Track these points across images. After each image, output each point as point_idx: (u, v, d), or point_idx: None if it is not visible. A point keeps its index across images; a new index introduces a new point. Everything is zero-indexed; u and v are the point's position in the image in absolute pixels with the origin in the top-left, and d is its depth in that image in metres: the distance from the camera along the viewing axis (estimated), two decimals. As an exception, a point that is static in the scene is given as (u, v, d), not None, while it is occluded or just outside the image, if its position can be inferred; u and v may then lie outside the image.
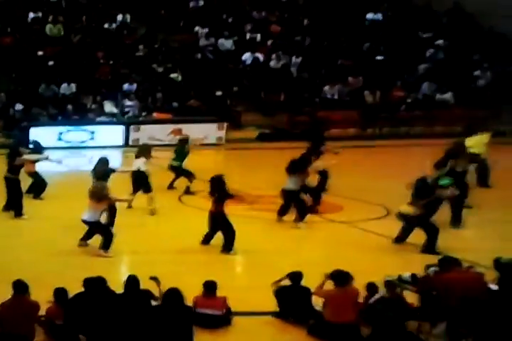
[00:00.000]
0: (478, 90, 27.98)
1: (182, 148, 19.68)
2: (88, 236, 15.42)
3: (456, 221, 17.02)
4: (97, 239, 15.35)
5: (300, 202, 17.15)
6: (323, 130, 20.94)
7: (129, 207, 17.81)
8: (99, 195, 15.11)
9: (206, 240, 15.68)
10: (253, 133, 25.94)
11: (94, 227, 15.22)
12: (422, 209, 15.32)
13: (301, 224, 16.92)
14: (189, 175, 19.40)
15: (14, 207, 17.27)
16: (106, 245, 15.07)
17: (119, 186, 17.15)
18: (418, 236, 15.58)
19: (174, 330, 10.93)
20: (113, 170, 16.80)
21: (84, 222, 15.17)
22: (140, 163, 17.64)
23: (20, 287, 11.06)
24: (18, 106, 24.55)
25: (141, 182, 17.62)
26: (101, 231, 15.22)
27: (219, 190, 15.36)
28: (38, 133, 22.53)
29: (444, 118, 26.91)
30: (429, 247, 15.25)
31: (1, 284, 11.91)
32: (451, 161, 17.29)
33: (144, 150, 17.97)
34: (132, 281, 11.73)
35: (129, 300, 11.50)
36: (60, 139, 23.81)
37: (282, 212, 17.25)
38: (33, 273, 13.04)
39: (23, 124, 23.74)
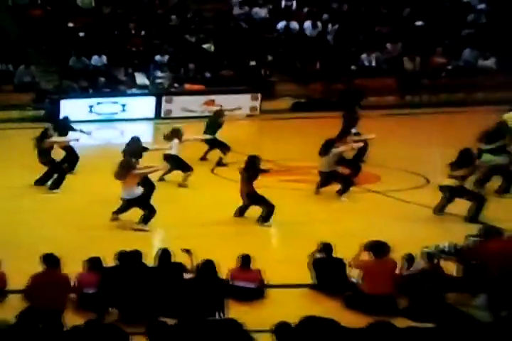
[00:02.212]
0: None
1: (214, 120, 19.33)
2: (122, 210, 15.12)
3: (503, 191, 16.65)
4: (128, 214, 15.08)
5: (341, 178, 16.84)
6: (358, 98, 20.44)
7: (161, 179, 17.48)
8: (117, 172, 14.90)
9: (240, 212, 15.44)
10: (288, 103, 25.53)
11: (133, 204, 14.90)
12: (462, 180, 14.99)
13: (344, 198, 16.62)
14: (223, 147, 19.05)
15: (55, 179, 17.14)
16: (146, 219, 14.81)
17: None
18: (458, 206, 15.25)
19: (207, 303, 10.77)
20: (145, 149, 16.52)
21: (122, 199, 14.93)
22: (173, 145, 17.38)
23: (51, 261, 10.94)
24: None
25: (176, 164, 17.39)
26: (141, 206, 14.91)
27: (250, 169, 15.13)
28: (68, 106, 22.33)
29: (486, 85, 26.27)
30: (474, 216, 14.94)
31: (30, 259, 11.74)
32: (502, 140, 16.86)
33: (176, 133, 17.63)
34: (163, 255, 11.66)
35: (160, 273, 11.38)
36: (91, 112, 23.54)
37: (321, 186, 16.90)
38: (63, 247, 12.73)
39: (54, 97, 23.53)
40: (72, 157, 18.34)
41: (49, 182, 17.22)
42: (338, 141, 16.81)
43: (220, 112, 19.83)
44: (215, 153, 19.19)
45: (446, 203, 15.38)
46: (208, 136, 18.93)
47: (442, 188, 15.30)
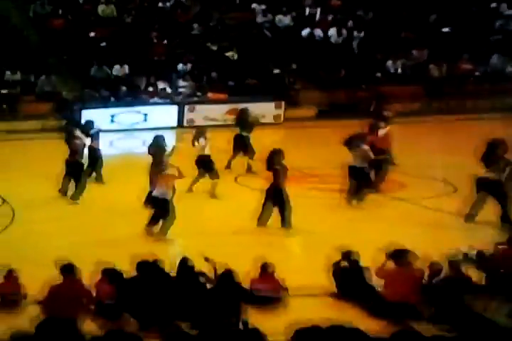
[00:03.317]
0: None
1: (243, 119, 19.11)
2: (154, 220, 14.85)
3: None
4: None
5: (366, 179, 16.46)
6: (382, 105, 20.19)
7: (190, 190, 17.27)
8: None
9: (263, 221, 15.29)
10: (312, 111, 25.27)
11: (159, 204, 14.68)
12: (501, 174, 14.76)
13: (355, 201, 16.35)
14: (250, 152, 18.76)
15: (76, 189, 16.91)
16: (165, 227, 14.70)
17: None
18: (486, 214, 15.03)
19: (227, 311, 10.75)
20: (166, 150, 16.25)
21: (153, 198, 14.84)
22: (202, 145, 17.20)
23: (70, 271, 11.03)
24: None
25: (206, 166, 17.19)
26: (163, 209, 14.69)
27: (278, 163, 15.00)
28: (90, 116, 22.20)
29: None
30: (504, 217, 14.73)
31: (48, 268, 11.62)
32: None
33: (200, 133, 17.45)
34: (184, 264, 11.66)
35: (181, 282, 11.39)
36: (112, 121, 23.40)
37: (351, 190, 16.52)
38: (82, 257, 12.58)
39: (75, 107, 23.46)
40: (94, 160, 17.95)
41: (69, 193, 17.01)
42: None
43: (245, 111, 19.43)
44: (239, 162, 18.91)
45: (477, 208, 15.05)
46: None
47: (480, 180, 14.93)
